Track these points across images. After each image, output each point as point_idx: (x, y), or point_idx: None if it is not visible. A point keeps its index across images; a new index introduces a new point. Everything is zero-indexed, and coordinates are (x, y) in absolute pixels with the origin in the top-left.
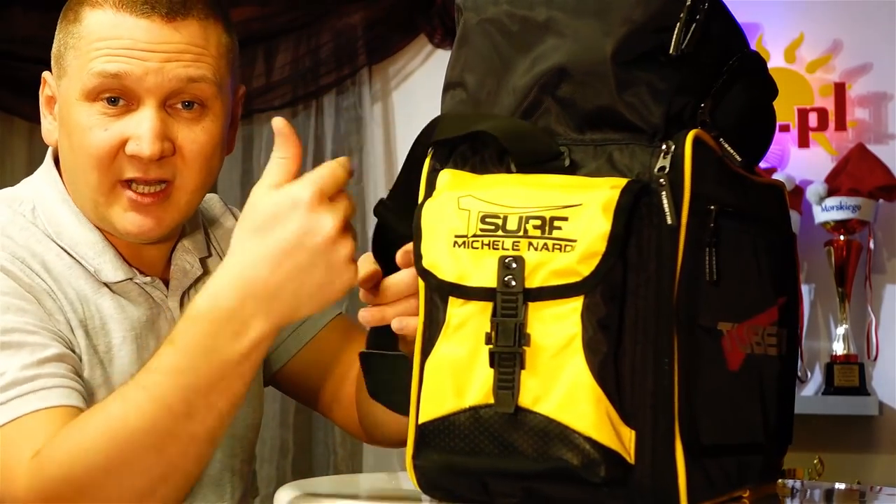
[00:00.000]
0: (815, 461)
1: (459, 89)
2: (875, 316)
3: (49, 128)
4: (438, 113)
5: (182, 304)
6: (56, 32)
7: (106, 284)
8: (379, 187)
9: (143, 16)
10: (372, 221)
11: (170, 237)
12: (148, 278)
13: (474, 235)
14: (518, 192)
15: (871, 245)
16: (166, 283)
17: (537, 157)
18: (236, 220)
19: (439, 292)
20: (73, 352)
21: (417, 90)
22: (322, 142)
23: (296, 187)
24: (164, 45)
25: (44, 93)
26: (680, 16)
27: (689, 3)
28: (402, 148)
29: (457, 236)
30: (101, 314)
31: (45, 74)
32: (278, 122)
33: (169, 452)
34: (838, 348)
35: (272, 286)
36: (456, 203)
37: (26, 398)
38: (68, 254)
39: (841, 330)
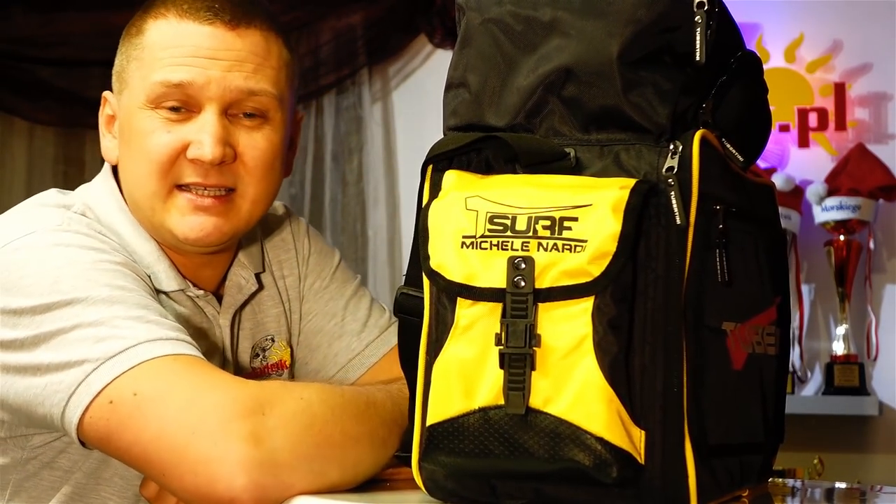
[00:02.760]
0: (815, 461)
1: (462, 89)
2: (875, 316)
3: (109, 145)
4: (439, 113)
5: (233, 324)
6: (118, 49)
7: (160, 292)
8: (379, 187)
9: (206, 22)
10: (372, 220)
11: (226, 250)
12: (201, 292)
13: (482, 236)
14: (526, 193)
15: (871, 245)
16: (219, 299)
17: (543, 157)
18: (298, 229)
19: (447, 293)
20: None
21: (417, 90)
22: (322, 142)
23: None
24: (227, 53)
25: (104, 112)
26: (696, 19)
27: (705, 7)
28: (402, 148)
29: (464, 237)
30: None
31: (106, 94)
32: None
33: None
34: (838, 348)
35: None
36: (463, 203)
37: (181, 343)
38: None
39: (841, 330)
